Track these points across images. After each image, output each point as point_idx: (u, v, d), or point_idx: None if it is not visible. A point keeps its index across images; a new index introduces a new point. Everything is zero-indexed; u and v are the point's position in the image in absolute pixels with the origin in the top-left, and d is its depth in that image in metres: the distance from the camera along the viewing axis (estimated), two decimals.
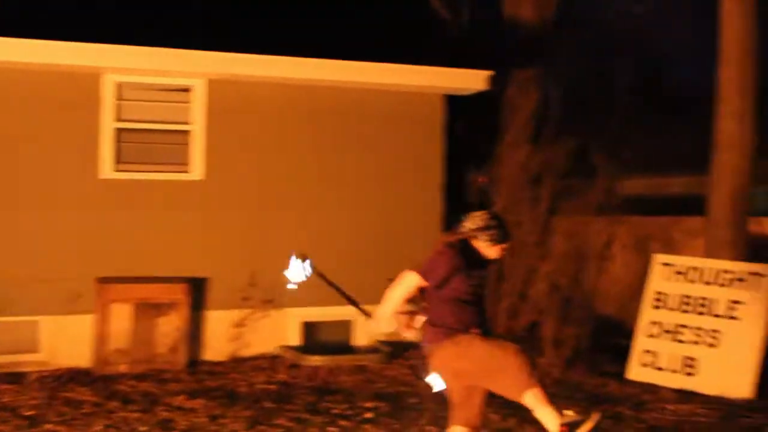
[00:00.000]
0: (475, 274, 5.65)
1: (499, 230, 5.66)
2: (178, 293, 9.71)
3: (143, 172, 10.20)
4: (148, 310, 9.64)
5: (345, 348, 10.69)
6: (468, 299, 5.60)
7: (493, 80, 12.04)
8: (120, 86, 10.13)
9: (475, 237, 5.67)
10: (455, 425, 5.83)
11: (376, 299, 10.96)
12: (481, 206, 12.29)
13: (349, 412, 7.99)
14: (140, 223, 10.12)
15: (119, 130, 10.12)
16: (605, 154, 12.38)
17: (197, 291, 10.06)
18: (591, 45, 15.23)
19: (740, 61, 9.83)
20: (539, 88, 14.40)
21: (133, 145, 10.22)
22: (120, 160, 10.11)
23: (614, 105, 12.70)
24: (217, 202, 10.40)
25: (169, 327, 9.73)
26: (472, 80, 11.28)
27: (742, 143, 9.82)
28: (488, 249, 5.68)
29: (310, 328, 10.73)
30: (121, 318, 9.58)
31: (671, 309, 9.59)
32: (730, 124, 9.89)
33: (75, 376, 9.23)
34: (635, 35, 15.29)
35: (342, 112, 10.96)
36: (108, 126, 10.04)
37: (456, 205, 11.99)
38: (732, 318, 9.14)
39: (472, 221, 5.70)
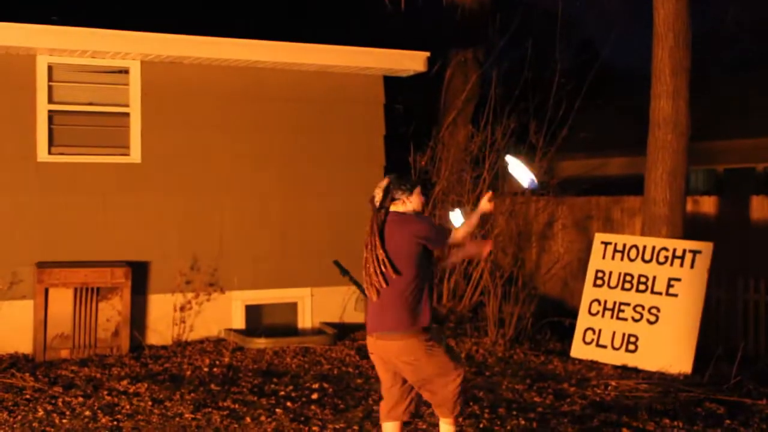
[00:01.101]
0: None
1: (406, 178, 5.75)
2: (119, 277, 9.58)
3: (81, 155, 10.03)
4: (89, 295, 9.50)
5: (290, 330, 10.67)
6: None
7: (432, 62, 12.08)
8: (54, 68, 9.94)
9: (402, 201, 5.66)
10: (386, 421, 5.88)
11: (320, 281, 11.07)
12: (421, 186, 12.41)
13: (295, 394, 7.98)
14: (79, 206, 9.96)
15: (55, 113, 9.94)
16: (544, 134, 12.53)
17: (139, 275, 9.94)
18: (529, 27, 15.36)
19: (673, 40, 9.97)
20: (478, 70, 14.51)
21: (70, 128, 10.05)
22: (56, 143, 9.93)
23: (552, 86, 12.82)
24: (156, 185, 10.27)
25: (111, 312, 9.61)
26: (410, 61, 11.27)
27: (676, 121, 9.96)
28: (416, 203, 5.69)
29: (254, 311, 10.68)
30: (62, 303, 9.42)
31: (612, 287, 9.72)
32: (665, 102, 10.03)
33: (16, 362, 9.09)
34: (573, 17, 15.43)
35: (282, 93, 10.89)
36: (43, 108, 9.85)
37: None
38: (671, 295, 9.30)
39: (383, 195, 5.66)
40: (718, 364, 8.86)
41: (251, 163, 10.71)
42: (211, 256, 10.39)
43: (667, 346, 9.13)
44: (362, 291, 11.00)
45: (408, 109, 15.15)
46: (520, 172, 6.11)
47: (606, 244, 9.97)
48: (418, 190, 5.71)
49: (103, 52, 9.86)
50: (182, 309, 10.20)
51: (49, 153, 9.87)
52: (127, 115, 10.20)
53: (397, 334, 5.50)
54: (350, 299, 11.01)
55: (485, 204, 5.88)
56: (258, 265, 10.65)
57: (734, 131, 16.22)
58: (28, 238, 9.71)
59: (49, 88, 9.91)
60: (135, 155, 10.21)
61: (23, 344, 9.50)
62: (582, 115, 12.83)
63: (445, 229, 5.78)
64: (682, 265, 9.33)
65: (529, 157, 12.65)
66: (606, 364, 9.30)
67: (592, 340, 9.65)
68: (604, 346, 9.54)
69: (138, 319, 9.94)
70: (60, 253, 9.78)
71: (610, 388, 8.38)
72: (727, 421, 7.26)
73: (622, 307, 9.57)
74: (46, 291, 9.37)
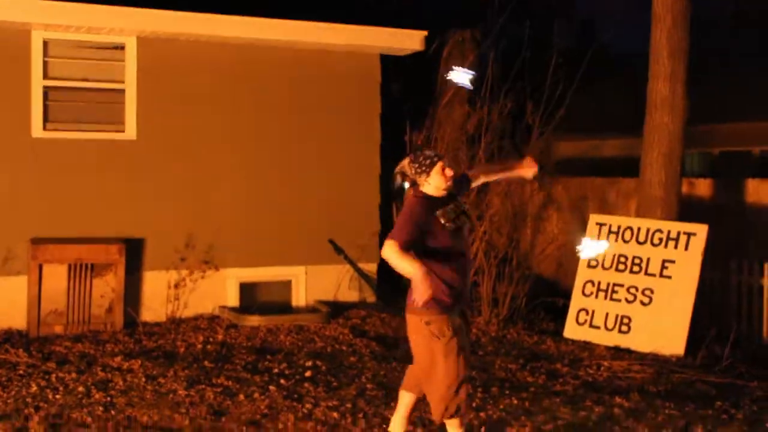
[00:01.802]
0: (446, 213, 5.47)
1: (422, 157, 5.53)
2: (114, 254, 9.58)
3: (76, 131, 10.01)
4: (84, 271, 9.50)
5: (284, 308, 10.68)
6: (451, 252, 5.48)
7: (430, 41, 12.04)
8: (50, 43, 9.90)
9: (418, 181, 5.57)
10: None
11: (315, 259, 11.08)
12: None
13: (289, 372, 8.00)
14: (74, 183, 9.94)
15: (51, 89, 9.90)
16: (541, 115, 12.50)
17: (133, 252, 9.94)
18: (528, 7, 15.29)
19: (671, 21, 9.94)
20: (476, 49, 14.45)
21: (66, 104, 10.02)
22: (51, 119, 9.90)
23: (550, 67, 12.77)
24: (152, 163, 10.25)
25: (105, 288, 9.61)
26: (408, 40, 11.25)
27: (674, 104, 9.95)
28: (436, 182, 5.52)
29: (248, 288, 10.68)
30: (56, 279, 9.43)
31: (606, 268, 9.74)
32: (662, 84, 10.01)
33: (9, 338, 9.10)
34: None
35: (279, 71, 10.86)
36: (38, 84, 9.81)
37: (394, 166, 12.01)
38: (665, 277, 9.32)
39: (403, 172, 5.62)
40: (711, 346, 8.89)
41: (247, 141, 10.69)
42: (206, 233, 10.38)
43: (660, 327, 9.15)
44: (356, 269, 11.03)
45: (405, 88, 15.10)
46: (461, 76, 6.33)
47: (601, 225, 9.98)
48: (437, 167, 5.52)
49: (98, 27, 9.82)
50: (176, 286, 10.20)
51: (44, 129, 9.85)
52: (122, 91, 10.17)
53: (407, 307, 5.59)
54: (344, 278, 11.02)
55: (527, 170, 6.02)
56: (253, 243, 10.65)
57: (731, 115, 16.20)
58: (22, 214, 9.69)
59: (45, 63, 9.87)
60: (130, 132, 10.18)
61: (17, 320, 9.50)
62: (579, 96, 12.77)
63: (394, 232, 5.39)
64: (676, 247, 9.34)
65: (525, 136, 12.64)
66: (599, 345, 9.32)
67: (586, 320, 9.67)
68: (598, 327, 9.56)
69: (132, 296, 9.94)
70: (54, 230, 9.76)
71: (602, 368, 8.41)
72: (719, 403, 7.29)
73: (616, 288, 9.60)
74: (41, 267, 9.37)
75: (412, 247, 5.32)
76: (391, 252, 5.26)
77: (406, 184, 5.67)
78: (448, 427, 5.72)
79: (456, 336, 5.48)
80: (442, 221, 5.46)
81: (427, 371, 5.54)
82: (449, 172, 5.53)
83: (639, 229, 9.66)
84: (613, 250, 9.74)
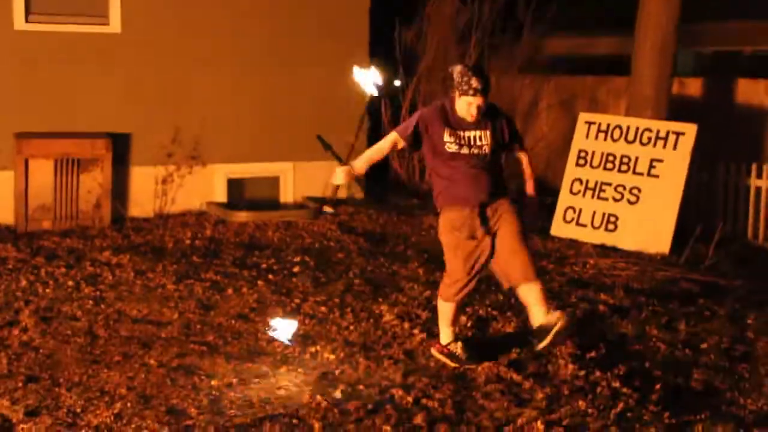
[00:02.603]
0: (465, 134, 5.59)
1: (463, 80, 5.47)
2: (100, 149, 9.51)
3: (59, 24, 9.81)
4: (70, 167, 9.44)
5: (272, 204, 10.67)
6: (451, 163, 5.60)
7: None
8: None
9: (453, 93, 5.58)
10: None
11: (306, 155, 11.00)
12: (406, 63, 12.27)
13: (277, 267, 8.05)
14: (58, 77, 9.79)
15: None
16: (533, 11, 12.34)
17: (120, 147, 9.87)
18: None
19: None
20: None
21: None
22: (34, 11, 9.70)
23: None
24: (137, 56, 10.08)
25: (92, 183, 9.56)
26: None
27: None
28: (460, 106, 5.55)
29: (236, 184, 10.66)
30: (42, 174, 9.37)
31: (594, 167, 9.74)
32: None
33: None
34: None
35: None
36: None
37: (383, 62, 11.88)
38: (652, 176, 9.33)
39: (450, 77, 5.58)
40: (696, 246, 8.95)
41: (233, 33, 10.50)
42: (192, 128, 10.28)
43: (647, 226, 9.20)
44: (344, 165, 10.97)
45: None
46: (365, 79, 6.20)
47: (590, 123, 9.94)
48: (466, 98, 5.50)
49: None
50: (164, 182, 10.16)
51: (26, 21, 9.66)
52: None
53: None
54: (333, 174, 10.97)
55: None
56: (240, 139, 10.58)
57: (724, 13, 16.00)
58: (6, 108, 9.57)
59: None
60: (115, 24, 10.00)
61: (4, 215, 9.48)
62: None
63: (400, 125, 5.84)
64: (665, 146, 9.33)
65: (516, 33, 12.49)
66: (585, 243, 9.38)
67: (573, 219, 9.71)
68: (584, 225, 9.61)
69: (120, 192, 9.91)
70: (40, 124, 9.67)
71: (588, 266, 8.48)
72: (702, 300, 7.38)
73: (604, 186, 9.61)
74: (26, 162, 9.31)
75: (416, 144, 5.69)
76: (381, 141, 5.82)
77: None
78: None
79: (454, 234, 5.60)
80: (445, 139, 5.58)
81: (447, 260, 5.75)
82: (474, 111, 5.52)
83: (628, 128, 9.63)
84: (602, 148, 9.72)
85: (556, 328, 5.48)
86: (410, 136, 5.66)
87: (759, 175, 9.75)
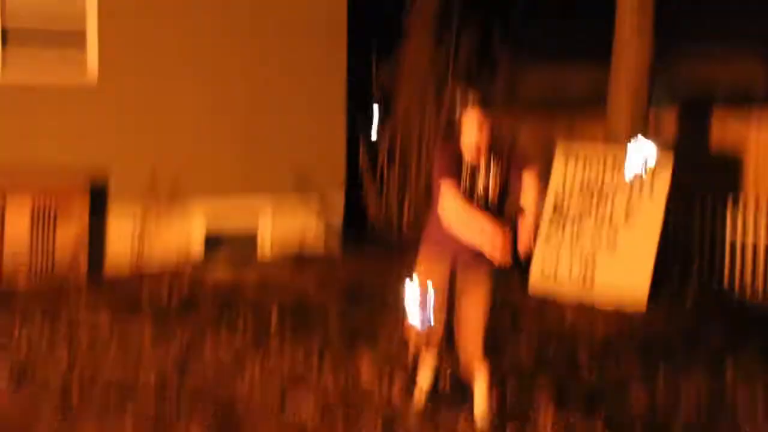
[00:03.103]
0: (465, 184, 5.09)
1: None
2: (77, 199, 9.46)
3: (36, 75, 9.79)
4: (46, 219, 9.37)
5: (250, 258, 10.59)
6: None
7: None
8: None
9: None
10: None
11: (284, 211, 10.89)
12: (384, 101, 12.29)
13: (255, 321, 7.96)
14: (35, 127, 9.77)
15: (9, 31, 9.65)
16: (507, 48, 12.41)
17: (98, 198, 9.82)
18: None
19: None
20: None
21: (25, 49, 9.75)
22: (9, 63, 9.67)
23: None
24: (114, 105, 10.09)
25: (69, 234, 9.48)
26: None
27: (641, 30, 9.92)
28: (467, 131, 5.04)
29: (213, 238, 10.58)
30: (18, 225, 9.30)
31: (572, 196, 9.70)
32: (630, 15, 9.97)
33: None
34: None
35: (243, 4, 10.63)
36: None
37: (358, 100, 11.92)
38: (629, 219, 9.31)
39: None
40: (673, 294, 8.94)
41: (210, 79, 10.50)
42: (171, 181, 10.20)
43: (624, 271, 9.15)
44: (322, 221, 10.91)
45: (372, 21, 14.89)
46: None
47: (567, 154, 9.88)
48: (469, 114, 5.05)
49: None
50: (141, 232, 10.08)
51: (1, 74, 9.62)
52: (83, 27, 9.92)
53: None
54: (310, 227, 10.92)
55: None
56: (218, 194, 10.53)
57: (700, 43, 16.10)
58: None
59: (2, 4, 9.59)
60: (92, 71, 9.98)
61: None
62: (548, 27, 12.69)
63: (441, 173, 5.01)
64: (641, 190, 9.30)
65: (491, 70, 12.51)
66: (563, 292, 9.32)
67: (549, 268, 9.63)
68: (561, 275, 9.52)
69: (96, 244, 9.83)
70: (16, 174, 9.60)
71: (566, 315, 8.45)
72: (679, 347, 7.37)
73: (580, 232, 9.55)
74: (2, 212, 9.24)
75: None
76: (448, 201, 4.91)
77: None
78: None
79: (429, 274, 5.13)
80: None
81: None
82: (485, 129, 4.97)
83: (604, 157, 9.60)
84: (580, 178, 9.68)
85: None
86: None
87: (734, 228, 9.66)
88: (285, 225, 10.87)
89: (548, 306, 9.18)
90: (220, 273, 9.81)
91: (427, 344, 5.56)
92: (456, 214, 4.91)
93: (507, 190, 5.20)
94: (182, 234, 10.41)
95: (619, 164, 9.45)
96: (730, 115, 10.61)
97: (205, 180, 10.44)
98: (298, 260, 10.46)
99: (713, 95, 15.14)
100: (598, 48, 11.17)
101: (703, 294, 9.15)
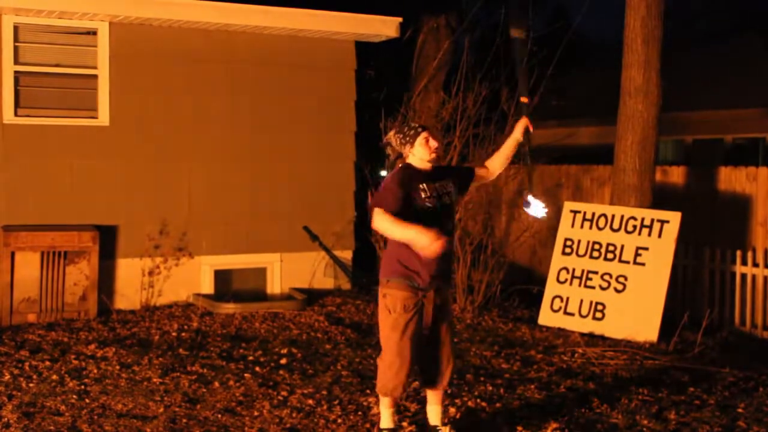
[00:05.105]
0: (434, 184, 5.47)
1: (404, 131, 5.51)
2: (87, 241, 9.51)
3: (48, 117, 9.92)
4: (57, 259, 9.41)
5: (259, 296, 10.65)
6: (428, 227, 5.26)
7: (405, 27, 12.02)
8: (21, 28, 9.80)
9: (403, 153, 5.54)
10: None
11: (290, 246, 11.05)
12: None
13: (264, 359, 7.98)
14: (46, 169, 9.88)
15: (22, 74, 9.82)
16: (516, 102, 12.49)
17: (107, 239, 9.88)
18: None
19: (645, 9, 9.97)
20: (451, 36, 14.44)
21: (37, 90, 9.92)
22: (23, 104, 9.81)
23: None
24: (125, 149, 10.19)
25: (79, 276, 9.53)
26: (382, 26, 11.21)
27: (647, 91, 9.99)
28: (420, 152, 5.47)
29: (223, 276, 10.65)
30: (29, 267, 9.34)
31: (580, 255, 9.78)
32: (636, 72, 10.05)
33: None
34: None
35: (253, 57, 10.81)
36: (9, 69, 9.72)
37: (368, 152, 12.01)
38: (638, 264, 9.37)
39: (389, 143, 5.60)
40: (684, 333, 8.97)
41: (221, 127, 10.65)
42: (180, 220, 10.34)
43: (634, 314, 9.20)
44: (331, 256, 11.02)
45: (380, 74, 15.08)
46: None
47: (575, 212, 10.03)
48: (420, 138, 5.46)
49: (70, 12, 9.72)
50: (150, 273, 10.16)
51: (16, 115, 9.76)
52: (95, 77, 10.09)
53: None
54: (320, 265, 11.00)
55: (518, 127, 5.91)
56: (227, 230, 10.62)
57: (704, 103, 16.30)
58: None
59: (15, 48, 9.77)
60: (103, 118, 10.12)
61: None
62: (554, 83, 12.80)
63: (378, 200, 5.36)
64: (650, 234, 9.39)
65: (500, 123, 12.63)
66: (573, 332, 9.36)
67: (560, 307, 9.71)
68: (572, 314, 9.60)
69: (106, 284, 9.89)
70: (27, 217, 9.70)
71: (576, 355, 8.44)
72: (691, 389, 7.34)
73: (590, 275, 9.64)
74: (13, 255, 9.29)
75: (397, 212, 5.29)
76: (381, 220, 5.28)
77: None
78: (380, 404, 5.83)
79: (407, 315, 5.43)
80: (423, 195, 5.40)
81: (383, 348, 5.59)
82: (433, 143, 5.51)
83: (613, 216, 9.71)
84: (588, 236, 9.79)
85: None
86: (402, 206, 5.32)
87: (744, 262, 9.81)
88: (295, 261, 10.90)
89: (559, 335, 9.26)
90: (230, 309, 9.82)
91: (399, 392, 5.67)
92: (390, 228, 5.30)
93: (460, 187, 5.75)
94: (192, 270, 10.43)
95: (625, 224, 9.56)
96: (734, 171, 10.70)
97: (213, 236, 10.49)
98: (309, 295, 10.48)
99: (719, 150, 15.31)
100: (606, 107, 11.31)
101: (713, 328, 9.21)
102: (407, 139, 5.50)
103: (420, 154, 5.50)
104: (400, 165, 5.58)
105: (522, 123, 5.99)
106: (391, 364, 5.50)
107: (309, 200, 10.95)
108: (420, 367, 5.70)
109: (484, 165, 5.99)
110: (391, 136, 5.60)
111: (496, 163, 5.99)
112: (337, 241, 10.93)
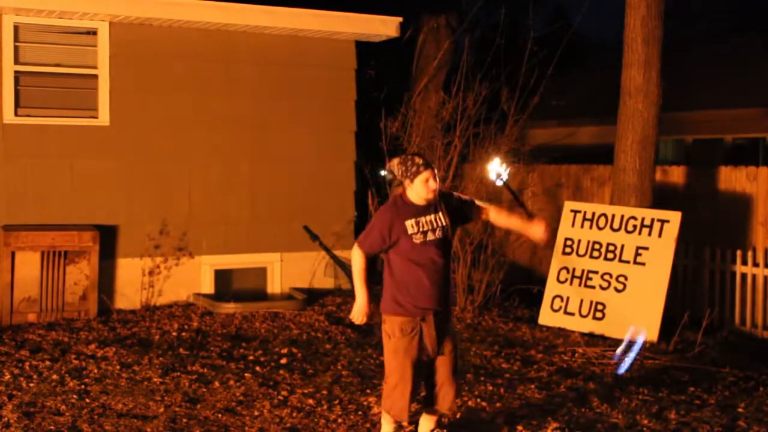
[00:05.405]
0: (425, 219, 5.52)
1: (408, 165, 5.48)
2: (87, 241, 9.50)
3: (48, 117, 9.92)
4: (57, 259, 9.41)
5: (259, 295, 10.65)
6: (418, 260, 5.49)
7: (405, 27, 12.02)
8: (21, 28, 9.81)
9: (401, 184, 5.58)
10: None
11: (290, 246, 11.06)
12: (392, 154, 12.37)
13: (264, 359, 7.98)
14: (46, 169, 9.87)
15: (22, 74, 9.82)
16: (516, 102, 12.50)
17: (107, 239, 9.88)
18: None
19: (646, 9, 9.97)
20: (451, 36, 14.45)
21: (38, 90, 9.92)
22: (23, 104, 9.81)
23: (525, 54, 12.77)
24: (125, 149, 10.20)
25: (79, 275, 9.53)
26: (382, 26, 11.21)
27: (647, 91, 9.98)
28: (418, 190, 5.49)
29: (223, 275, 10.65)
30: (29, 266, 9.34)
31: (580, 255, 9.78)
32: (636, 72, 10.04)
33: None
34: None
35: (253, 57, 10.81)
36: (9, 69, 9.72)
37: (368, 152, 12.02)
38: (639, 264, 9.36)
39: (392, 171, 5.62)
40: (684, 332, 8.97)
41: (221, 127, 10.64)
42: (180, 220, 10.34)
43: (634, 314, 9.20)
44: (331, 256, 11.02)
45: (380, 74, 15.07)
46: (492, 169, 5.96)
47: (575, 212, 10.03)
48: (421, 177, 5.45)
49: (70, 12, 9.72)
50: (151, 273, 10.16)
51: (16, 114, 9.76)
52: (95, 77, 10.09)
53: None
54: (320, 265, 11.00)
55: (536, 229, 5.82)
56: (227, 230, 10.62)
57: (704, 103, 16.29)
58: None
59: (16, 48, 9.77)
60: (103, 118, 10.11)
61: None
62: (554, 83, 12.79)
63: (364, 235, 5.64)
64: (650, 234, 9.39)
65: (500, 123, 12.63)
66: (573, 332, 9.36)
67: (560, 307, 9.71)
68: (572, 314, 9.60)
69: (106, 284, 9.89)
70: (27, 217, 9.70)
71: (577, 354, 8.44)
72: (692, 388, 7.34)
73: (590, 275, 9.64)
74: (13, 254, 9.29)
75: (380, 251, 5.58)
76: (354, 258, 5.62)
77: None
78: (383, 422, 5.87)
79: (406, 339, 5.51)
80: (410, 231, 5.49)
81: (386, 372, 5.68)
82: (432, 185, 5.49)
83: (613, 216, 9.71)
84: (588, 236, 9.79)
85: None
86: (385, 246, 5.54)
87: (744, 262, 9.81)
88: (295, 261, 10.91)
89: (559, 335, 9.26)
90: (230, 308, 9.83)
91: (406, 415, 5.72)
92: (354, 274, 5.67)
93: (455, 221, 5.71)
94: (192, 270, 10.43)
95: (625, 224, 9.56)
96: (734, 171, 10.69)
97: (213, 236, 10.50)
98: (309, 295, 10.48)
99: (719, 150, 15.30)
100: (606, 106, 11.30)
101: (714, 328, 9.21)
102: (409, 174, 5.48)
103: (418, 191, 5.51)
104: (393, 198, 5.65)
105: (539, 224, 5.87)
106: (395, 387, 5.59)
107: (309, 200, 10.96)
108: (425, 388, 5.78)
109: (491, 210, 5.90)
110: (395, 165, 5.57)
111: (498, 222, 6.11)
112: (338, 240, 10.93)
